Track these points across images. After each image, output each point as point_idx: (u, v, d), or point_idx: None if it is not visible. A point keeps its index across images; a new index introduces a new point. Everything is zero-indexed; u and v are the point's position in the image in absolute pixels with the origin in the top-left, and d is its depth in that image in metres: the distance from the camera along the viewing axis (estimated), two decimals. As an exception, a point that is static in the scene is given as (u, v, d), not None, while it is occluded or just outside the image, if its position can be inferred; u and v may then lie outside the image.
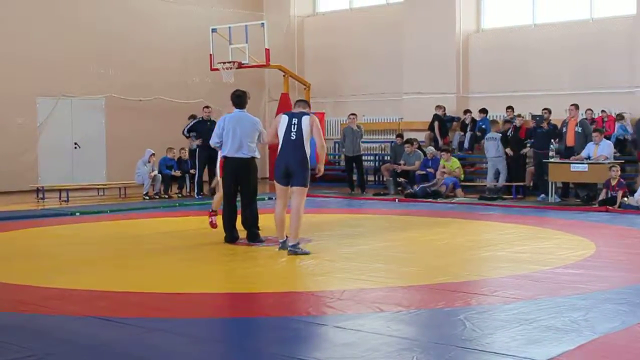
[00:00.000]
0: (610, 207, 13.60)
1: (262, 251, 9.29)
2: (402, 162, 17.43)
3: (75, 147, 19.54)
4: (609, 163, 14.34)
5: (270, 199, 15.46)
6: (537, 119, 15.94)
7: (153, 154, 17.08)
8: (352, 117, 17.90)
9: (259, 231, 9.92)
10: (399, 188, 17.12)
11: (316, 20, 23.24)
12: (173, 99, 20.74)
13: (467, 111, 18.96)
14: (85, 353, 5.03)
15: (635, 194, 13.68)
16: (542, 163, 15.38)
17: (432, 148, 17.41)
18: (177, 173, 17.39)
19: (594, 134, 14.92)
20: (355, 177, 18.00)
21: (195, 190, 16.76)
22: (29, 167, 18.38)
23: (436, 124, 18.69)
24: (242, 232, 9.97)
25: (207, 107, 16.98)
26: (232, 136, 9.62)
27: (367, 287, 6.97)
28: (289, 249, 8.84)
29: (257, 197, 10.26)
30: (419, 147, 17.83)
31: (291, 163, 8.80)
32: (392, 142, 19.45)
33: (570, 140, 15.37)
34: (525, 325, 5.54)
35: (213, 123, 15.84)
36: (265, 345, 5.30)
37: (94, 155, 19.76)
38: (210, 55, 19.52)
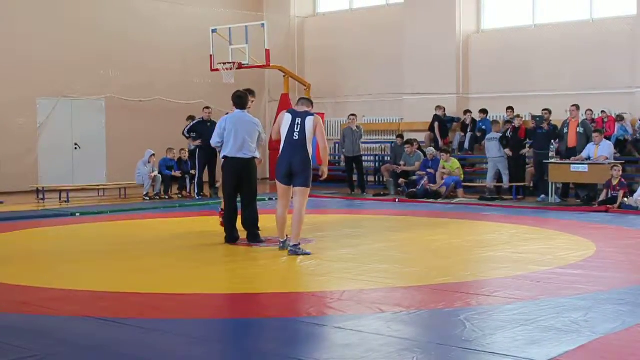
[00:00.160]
0: (610, 206, 13.61)
1: (262, 252, 9.29)
2: (402, 162, 17.43)
3: (76, 148, 19.54)
4: (610, 163, 14.35)
5: (270, 199, 15.47)
6: (537, 119, 15.94)
7: (153, 155, 17.08)
8: (352, 117, 17.91)
9: (259, 231, 9.91)
10: (399, 189, 17.12)
11: (316, 21, 23.25)
12: (173, 100, 20.74)
13: (467, 111, 18.97)
14: (86, 354, 5.03)
15: (635, 194, 13.69)
16: (542, 163, 15.38)
17: (432, 149, 17.40)
18: (177, 174, 17.39)
19: (594, 135, 14.92)
20: (355, 178, 18.01)
21: (195, 191, 16.76)
22: (29, 167, 18.39)
23: (436, 124, 18.70)
24: (242, 233, 9.97)
25: (207, 107, 17.00)
26: (233, 136, 9.61)
27: (367, 288, 6.97)
28: (289, 249, 8.83)
29: (258, 198, 10.25)
30: (419, 148, 17.83)
31: (294, 163, 8.78)
32: (392, 142, 19.45)
33: (571, 141, 15.37)
34: (526, 326, 5.53)
35: (213, 124, 15.83)
36: (265, 345, 5.30)
37: (94, 155, 19.77)
38: (211, 55, 19.53)
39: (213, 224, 11.20)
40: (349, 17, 22.58)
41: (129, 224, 12.65)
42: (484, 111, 18.57)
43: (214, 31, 19.53)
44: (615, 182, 13.91)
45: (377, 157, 21.08)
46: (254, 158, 9.75)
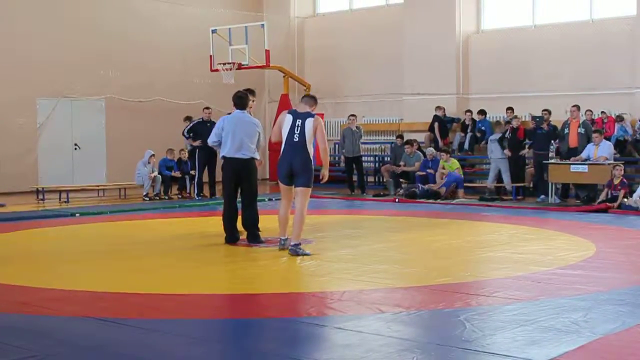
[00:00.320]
0: (610, 204, 13.62)
1: (262, 252, 9.29)
2: (401, 163, 17.43)
3: (76, 148, 19.55)
4: (610, 163, 14.36)
5: (270, 199, 15.48)
6: (537, 120, 15.95)
7: (153, 155, 17.08)
8: (351, 118, 17.91)
9: (260, 232, 9.91)
10: (399, 189, 17.11)
11: (316, 21, 23.26)
12: (173, 100, 20.74)
13: (468, 112, 18.96)
14: (86, 354, 5.03)
15: (635, 195, 13.69)
16: (542, 164, 15.39)
17: (432, 149, 17.41)
18: (177, 174, 17.39)
19: (593, 135, 14.93)
20: (355, 178, 18.02)
21: (195, 191, 16.76)
22: (29, 168, 18.39)
23: (436, 125, 18.70)
24: (243, 233, 9.98)
25: (207, 108, 17.00)
26: (231, 137, 9.62)
27: (367, 288, 6.97)
28: (290, 248, 8.84)
29: (258, 198, 10.26)
30: (419, 148, 17.83)
31: (294, 165, 8.80)
32: (392, 143, 19.45)
33: (573, 142, 15.37)
34: (526, 326, 5.54)
35: (213, 124, 15.76)
36: (265, 346, 5.30)
37: (94, 156, 19.77)
38: (211, 56, 19.54)
39: (213, 224, 11.20)
40: (349, 17, 22.58)
41: (128, 224, 12.65)
42: (482, 112, 18.58)
43: (213, 31, 19.54)
44: (616, 182, 13.92)
45: (377, 158, 21.08)
46: (252, 158, 9.72)
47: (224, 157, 9.77)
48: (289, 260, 8.57)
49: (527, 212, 13.90)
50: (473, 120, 18.78)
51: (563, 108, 16.17)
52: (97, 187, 18.15)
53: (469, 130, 18.83)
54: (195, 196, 16.67)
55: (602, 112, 16.95)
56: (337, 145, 21.06)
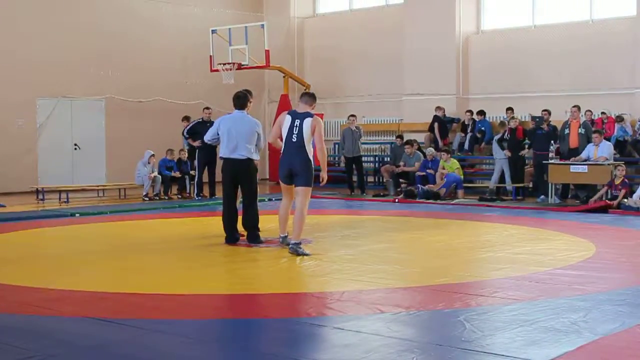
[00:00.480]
0: (609, 202, 13.63)
1: (262, 252, 9.29)
2: (401, 163, 17.42)
3: (75, 148, 19.55)
4: (611, 163, 14.36)
5: (270, 199, 15.47)
6: (537, 120, 15.95)
7: (153, 155, 17.09)
8: (351, 118, 17.90)
9: (260, 232, 9.91)
10: (399, 189, 17.11)
11: (316, 22, 23.26)
12: (173, 100, 20.75)
13: (468, 112, 18.97)
14: (86, 354, 5.03)
15: (634, 195, 13.69)
16: (542, 164, 15.39)
17: (431, 149, 17.41)
18: (177, 174, 17.39)
19: (593, 135, 14.93)
20: (355, 178, 18.02)
21: (195, 192, 16.76)
22: (28, 168, 18.39)
23: (436, 125, 18.71)
24: (243, 233, 9.98)
25: (207, 108, 17.00)
26: (227, 137, 9.65)
27: (367, 289, 6.97)
28: (290, 246, 8.85)
29: (258, 198, 10.26)
30: (419, 149, 17.82)
31: (294, 165, 8.85)
32: (391, 143, 19.45)
33: (573, 142, 15.37)
34: (525, 327, 5.54)
35: (213, 124, 15.87)
36: (265, 346, 5.30)
37: (94, 156, 19.77)
38: (210, 56, 19.54)
39: (213, 224, 11.20)
40: (349, 17, 22.59)
41: (128, 224, 12.65)
42: (481, 112, 18.60)
43: (213, 32, 19.54)
44: (617, 182, 13.94)
45: (376, 158, 21.09)
46: (250, 159, 9.67)
47: (221, 158, 9.81)
48: (289, 261, 8.57)
49: (527, 212, 13.89)
50: (473, 120, 18.79)
51: (563, 108, 16.17)
52: (96, 188, 18.15)
53: (469, 131, 18.84)
54: (195, 196, 16.67)
55: (602, 112, 16.95)
56: (337, 146, 21.07)
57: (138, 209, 14.87)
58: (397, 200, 16.12)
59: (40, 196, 16.78)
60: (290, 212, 9.24)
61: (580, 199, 14.99)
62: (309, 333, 5.56)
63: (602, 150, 14.70)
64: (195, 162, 16.74)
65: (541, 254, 8.96)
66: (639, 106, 17.10)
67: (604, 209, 13.55)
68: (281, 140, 9.05)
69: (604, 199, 14.03)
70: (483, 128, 18.56)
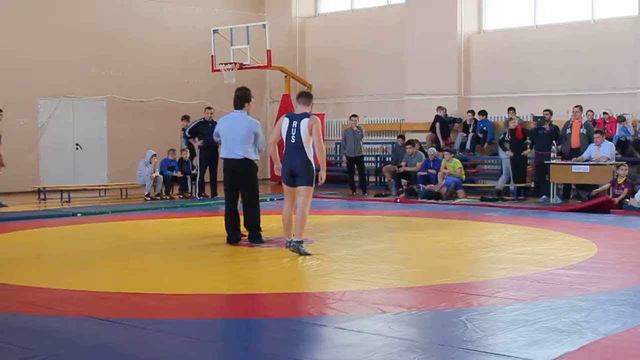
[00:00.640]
0: (611, 198, 13.63)
1: (263, 252, 9.29)
2: (403, 163, 17.42)
3: (77, 148, 19.56)
4: (613, 163, 14.35)
5: (272, 199, 15.48)
6: (539, 120, 15.94)
7: (154, 155, 17.09)
8: (353, 118, 17.90)
9: (261, 232, 9.91)
10: (400, 189, 17.11)
11: (318, 22, 23.25)
12: (174, 100, 20.75)
13: (470, 112, 18.96)
14: (88, 354, 5.04)
15: (636, 195, 13.68)
16: (543, 164, 15.38)
17: (433, 149, 17.40)
18: (178, 174, 17.39)
19: (595, 135, 14.92)
20: (356, 178, 18.01)
21: (197, 191, 16.76)
22: (30, 167, 18.40)
23: (437, 125, 18.70)
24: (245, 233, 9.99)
25: (209, 108, 17.00)
26: (224, 137, 9.76)
27: (368, 288, 6.97)
28: (292, 244, 8.87)
29: (260, 199, 10.26)
30: (421, 149, 17.82)
31: (294, 166, 8.89)
32: (393, 143, 19.45)
33: (575, 142, 15.37)
34: (527, 327, 5.53)
35: (214, 124, 15.85)
36: (266, 346, 5.31)
37: (96, 156, 19.78)
38: (212, 56, 19.53)
39: (215, 224, 11.20)
40: (350, 17, 22.58)
41: (130, 224, 12.66)
42: (483, 112, 18.59)
43: (215, 32, 19.53)
44: (620, 181, 13.94)
45: (378, 158, 21.08)
46: (247, 159, 9.66)
47: (222, 158, 9.92)
48: (290, 261, 8.57)
49: (529, 212, 13.89)
50: (475, 120, 18.78)
51: (565, 108, 16.16)
52: (98, 187, 18.16)
53: (470, 131, 18.83)
54: (197, 196, 16.67)
55: (604, 112, 16.94)
56: (338, 146, 21.06)
57: (140, 208, 14.88)
58: (398, 200, 16.12)
59: (42, 196, 16.79)
60: (293, 213, 9.26)
61: (582, 199, 14.98)
62: (310, 333, 5.56)
63: (603, 150, 14.69)
64: (197, 162, 16.76)
65: (543, 254, 8.96)
66: (641, 106, 17.11)
67: (605, 207, 13.52)
68: (282, 143, 9.08)
69: (602, 192, 14.05)
70: (485, 128, 18.56)
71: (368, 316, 5.94)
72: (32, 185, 17.57)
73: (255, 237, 9.79)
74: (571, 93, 17.55)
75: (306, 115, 8.93)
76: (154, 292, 7.02)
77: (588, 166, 14.54)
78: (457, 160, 16.84)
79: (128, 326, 5.68)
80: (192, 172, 17.33)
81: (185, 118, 17.78)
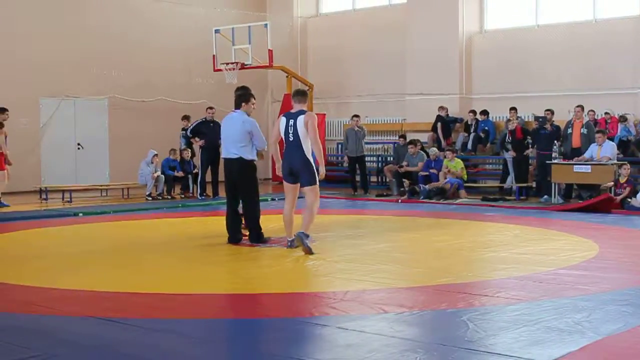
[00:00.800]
0: (613, 196, 13.62)
1: (264, 252, 9.29)
2: (404, 163, 17.41)
3: (79, 148, 19.57)
4: (614, 163, 14.34)
5: (273, 199, 15.48)
6: (540, 120, 15.93)
7: (156, 155, 17.09)
8: (355, 118, 17.89)
9: (262, 232, 9.90)
10: (402, 189, 17.10)
11: (319, 21, 23.26)
12: (176, 100, 20.76)
13: (471, 112, 18.95)
14: (89, 354, 5.03)
15: (638, 195, 13.67)
16: (545, 164, 15.37)
17: (435, 149, 17.39)
18: (180, 174, 17.39)
19: (596, 135, 14.92)
20: (358, 178, 18.01)
21: (198, 191, 16.76)
22: (32, 167, 18.41)
23: (439, 125, 18.70)
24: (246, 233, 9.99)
25: (210, 107, 17.00)
26: (222, 137, 9.89)
27: (370, 288, 6.96)
28: (298, 233, 8.93)
29: (261, 198, 10.25)
30: (422, 148, 17.81)
31: (293, 164, 8.99)
32: (394, 143, 19.44)
33: (576, 142, 15.37)
34: (529, 327, 5.53)
35: (216, 124, 15.88)
36: (267, 346, 5.30)
37: (97, 155, 19.79)
38: (213, 56, 19.52)
39: (216, 224, 11.20)
40: (352, 17, 22.58)
41: (131, 224, 12.66)
42: (484, 112, 18.58)
43: (216, 31, 19.53)
44: (623, 180, 13.94)
45: (379, 158, 21.08)
46: (242, 158, 9.65)
47: (223, 158, 10.00)
48: (292, 261, 8.57)
49: (530, 212, 13.87)
50: (476, 120, 18.78)
51: (566, 108, 16.16)
52: (100, 187, 18.17)
53: (472, 131, 18.82)
54: (198, 196, 16.67)
55: (606, 112, 16.93)
56: (340, 145, 21.05)
57: (141, 208, 14.88)
58: (400, 200, 16.11)
59: (44, 196, 16.80)
60: (296, 212, 9.28)
61: (584, 199, 14.96)
62: (312, 333, 5.55)
63: (605, 150, 14.68)
64: (198, 162, 16.77)
65: (544, 254, 8.95)
66: (642, 106, 17.11)
67: (606, 206, 13.51)
68: (281, 142, 9.12)
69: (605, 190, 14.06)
70: (487, 128, 18.56)
71: (369, 316, 5.94)
72: (34, 185, 17.58)
73: (256, 237, 9.78)
74: (573, 93, 17.54)
75: (302, 112, 8.98)
76: (155, 291, 7.02)
77: (590, 166, 14.53)
78: (459, 160, 16.84)
79: (128, 326, 5.67)
80: (194, 171, 17.33)
81: (186, 118, 17.81)
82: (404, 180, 17.24)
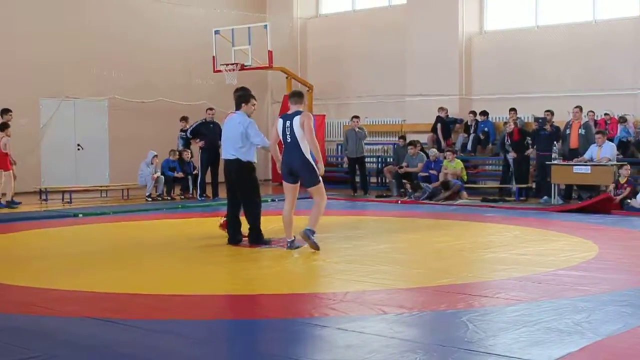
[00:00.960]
0: (611, 195, 13.62)
1: (264, 253, 9.29)
2: (404, 163, 17.41)
3: (78, 149, 19.57)
4: (614, 164, 14.34)
5: (273, 200, 15.47)
6: (540, 121, 15.94)
7: (156, 156, 17.10)
8: (355, 119, 17.90)
9: (262, 233, 9.89)
10: (402, 190, 17.11)
11: (319, 22, 23.26)
12: (176, 101, 20.75)
13: (471, 112, 18.95)
14: (88, 354, 5.03)
15: (638, 196, 13.67)
16: (545, 165, 15.37)
17: (434, 150, 17.39)
18: (180, 175, 17.39)
19: (596, 136, 14.92)
20: (358, 179, 18.01)
21: (198, 192, 16.76)
22: (32, 168, 18.39)
23: (439, 126, 18.70)
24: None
25: (210, 108, 17.01)
26: (222, 139, 9.94)
27: (369, 289, 6.96)
28: (305, 230, 8.97)
29: (261, 199, 10.25)
30: (422, 149, 17.81)
31: (292, 164, 9.04)
32: (394, 144, 19.44)
33: (574, 143, 15.38)
34: (528, 327, 5.53)
35: (216, 125, 15.91)
36: (267, 346, 5.30)
37: (97, 156, 19.79)
38: (213, 57, 19.53)
39: (216, 225, 11.17)
40: (352, 18, 22.58)
41: (131, 225, 12.66)
42: (484, 113, 18.57)
43: (216, 32, 19.53)
44: (623, 181, 13.94)
45: (379, 159, 21.07)
46: (238, 159, 9.63)
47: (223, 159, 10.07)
48: (291, 261, 8.58)
49: (530, 213, 13.87)
50: (476, 121, 18.78)
51: (566, 109, 16.16)
52: (99, 188, 18.16)
53: (471, 131, 18.82)
54: (198, 197, 16.68)
55: (606, 113, 16.94)
56: (340, 146, 21.05)
57: (141, 209, 14.88)
58: (400, 201, 16.12)
59: (44, 196, 16.80)
60: (295, 213, 9.29)
61: (583, 199, 14.96)
62: (312, 334, 5.55)
63: (605, 151, 14.68)
64: (197, 162, 16.78)
65: (544, 254, 8.95)
66: (642, 106, 17.10)
67: (605, 206, 13.50)
68: (281, 144, 9.15)
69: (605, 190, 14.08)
70: (486, 129, 18.55)
71: (369, 317, 5.94)
72: (34, 186, 17.56)
73: (255, 238, 9.77)
74: (572, 93, 17.55)
75: (298, 113, 9.01)
76: (154, 292, 7.02)
77: (589, 167, 14.53)
78: (459, 161, 16.84)
79: (128, 327, 5.67)
80: (194, 172, 17.33)
81: (184, 119, 17.80)
82: (404, 181, 17.24)
